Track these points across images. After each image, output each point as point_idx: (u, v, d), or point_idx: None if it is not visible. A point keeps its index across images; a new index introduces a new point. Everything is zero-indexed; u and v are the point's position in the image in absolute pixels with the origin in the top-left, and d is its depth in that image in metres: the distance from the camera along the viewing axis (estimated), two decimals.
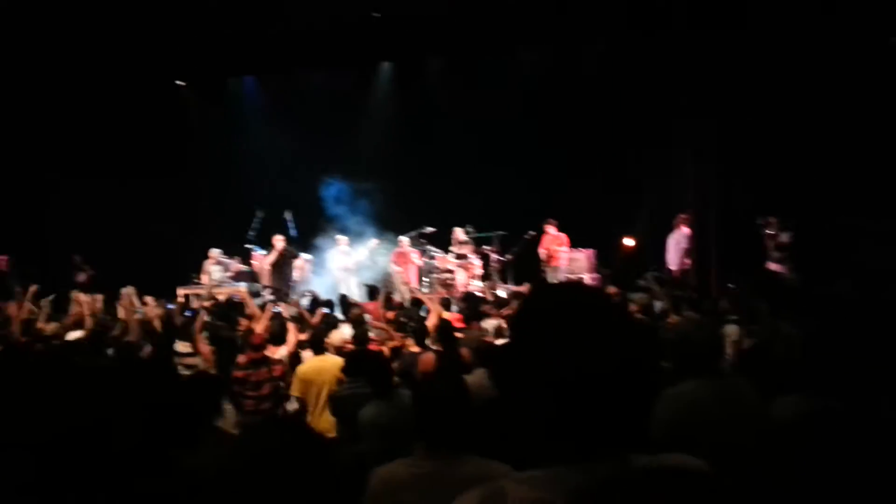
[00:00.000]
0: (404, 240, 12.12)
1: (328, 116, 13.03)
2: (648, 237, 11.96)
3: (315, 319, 6.78)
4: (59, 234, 11.87)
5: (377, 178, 12.41)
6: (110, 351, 5.53)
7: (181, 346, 5.94)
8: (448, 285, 11.42)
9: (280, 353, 5.47)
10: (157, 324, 6.37)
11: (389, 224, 12.42)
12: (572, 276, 11.82)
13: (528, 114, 12.16)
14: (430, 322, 6.00)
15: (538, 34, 12.00)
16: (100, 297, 6.75)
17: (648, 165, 11.79)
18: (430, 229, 12.16)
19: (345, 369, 4.73)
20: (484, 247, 12.20)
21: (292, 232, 12.13)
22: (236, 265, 12.44)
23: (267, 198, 12.30)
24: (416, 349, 5.39)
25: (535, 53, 12.52)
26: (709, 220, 10.15)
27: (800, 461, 1.87)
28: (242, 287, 11.32)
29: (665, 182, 11.49)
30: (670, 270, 10.93)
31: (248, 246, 12.44)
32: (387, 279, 11.37)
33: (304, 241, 12.30)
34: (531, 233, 11.84)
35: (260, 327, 5.75)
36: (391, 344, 5.85)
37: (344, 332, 5.82)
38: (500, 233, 12.21)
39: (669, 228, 11.16)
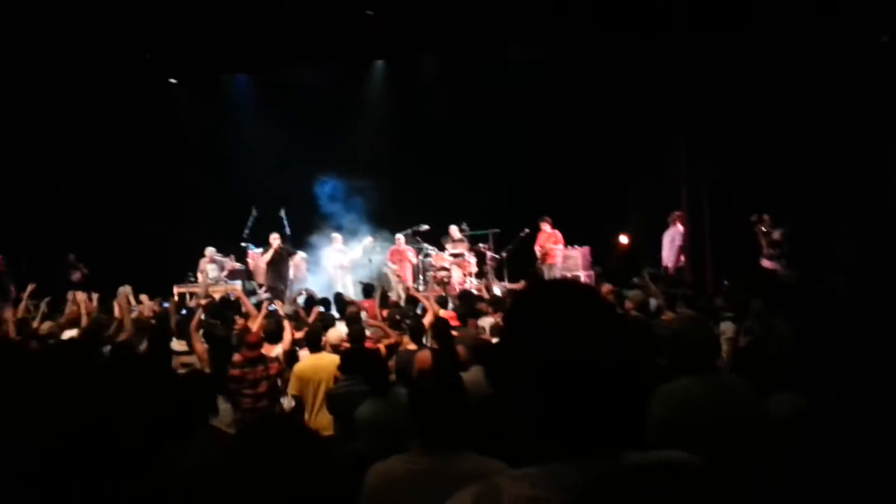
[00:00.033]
0: (400, 237, 12.12)
1: (322, 114, 13.02)
2: (643, 234, 11.99)
3: (311, 318, 6.78)
4: (54, 232, 11.84)
5: (371, 176, 12.41)
6: (106, 349, 5.52)
7: (177, 345, 5.94)
8: (443, 283, 11.43)
9: (276, 351, 5.47)
10: (152, 322, 6.36)
11: (384, 222, 12.42)
12: (567, 274, 11.85)
13: (522, 111, 12.17)
14: (427, 320, 6.01)
15: (532, 32, 12.01)
16: (96, 295, 6.74)
17: (643, 163, 11.83)
18: (424, 227, 12.16)
19: (341, 367, 4.74)
20: (479, 244, 12.21)
21: (286, 230, 12.12)
22: (231, 263, 12.42)
23: (261, 195, 12.28)
24: (412, 347, 5.39)
25: (530, 51, 12.53)
26: (704, 217, 10.17)
27: (794, 457, 1.88)
28: (237, 285, 11.31)
29: (660, 179, 11.51)
30: (665, 267, 10.96)
31: (243, 244, 12.42)
32: (383, 278, 11.37)
33: (299, 238, 12.29)
34: (526, 230, 11.86)
35: (256, 326, 5.75)
36: (387, 341, 5.86)
37: (341, 331, 5.82)
38: (495, 230, 12.22)
39: (664, 225, 11.18)
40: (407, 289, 9.94)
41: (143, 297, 7.55)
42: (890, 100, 8.64)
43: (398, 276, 11.74)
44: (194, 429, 2.92)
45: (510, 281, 11.90)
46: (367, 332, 5.94)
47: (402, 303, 8.35)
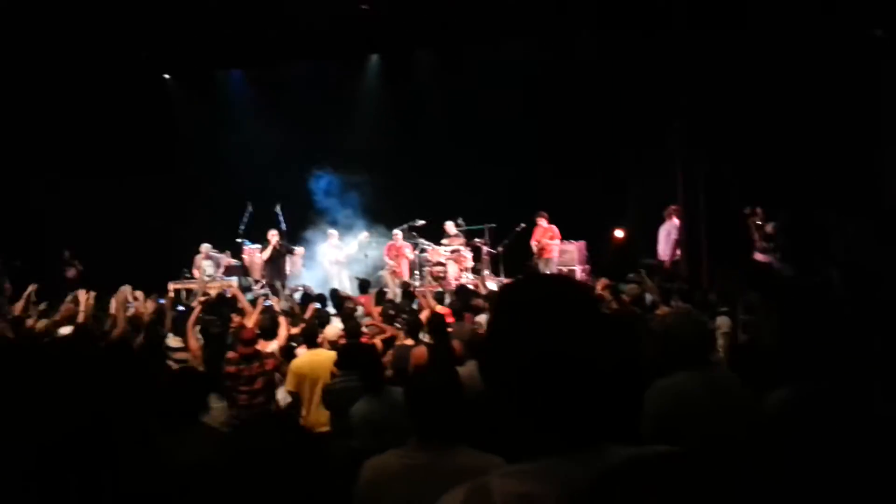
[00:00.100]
0: (397, 233, 12.11)
1: (317, 109, 13.00)
2: (639, 228, 12.01)
3: (307, 314, 6.78)
4: (48, 229, 11.79)
5: (366, 171, 12.41)
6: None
7: (172, 341, 5.94)
8: (440, 278, 11.44)
9: (271, 347, 5.47)
10: (147, 318, 6.35)
11: (379, 217, 12.42)
12: (563, 268, 11.87)
13: (518, 107, 12.17)
14: (423, 315, 6.01)
15: (528, 28, 11.99)
16: (92, 294, 6.72)
17: (639, 157, 11.83)
18: (420, 222, 12.16)
19: (338, 363, 4.74)
20: (475, 239, 12.22)
21: (282, 225, 12.10)
22: (227, 259, 12.41)
23: (256, 191, 12.25)
24: (409, 342, 5.40)
25: (525, 46, 12.51)
26: (699, 211, 10.19)
27: (783, 452, 1.89)
28: (233, 281, 11.29)
29: (656, 173, 11.52)
30: (661, 261, 10.98)
31: (238, 240, 12.40)
32: (381, 280, 11.38)
33: (294, 234, 12.28)
34: (522, 225, 11.86)
35: (251, 322, 5.75)
36: (382, 336, 5.86)
37: (337, 327, 5.82)
38: (491, 225, 12.22)
39: (660, 219, 11.20)
40: (404, 283, 9.95)
41: (139, 294, 7.52)
42: (887, 96, 8.65)
43: (394, 271, 11.74)
44: (184, 424, 2.92)
45: (506, 276, 11.91)
46: (364, 328, 5.94)
47: (399, 300, 8.35)
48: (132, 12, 10.77)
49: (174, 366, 5.26)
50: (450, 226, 12.17)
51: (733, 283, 7.00)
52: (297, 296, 9.01)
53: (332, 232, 12.24)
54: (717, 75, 9.35)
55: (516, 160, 12.04)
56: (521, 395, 1.07)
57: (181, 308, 7.61)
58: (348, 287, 10.85)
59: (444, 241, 12.15)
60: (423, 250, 12.17)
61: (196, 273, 11.79)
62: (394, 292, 9.58)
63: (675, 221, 10.95)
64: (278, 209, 12.05)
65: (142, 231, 12.07)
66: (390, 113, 13.33)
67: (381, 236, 12.38)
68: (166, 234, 12.56)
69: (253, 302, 6.90)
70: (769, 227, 9.52)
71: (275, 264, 11.59)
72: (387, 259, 12.05)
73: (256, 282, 11.95)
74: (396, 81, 13.47)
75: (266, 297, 8.67)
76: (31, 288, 7.18)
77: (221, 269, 12.10)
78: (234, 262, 12.48)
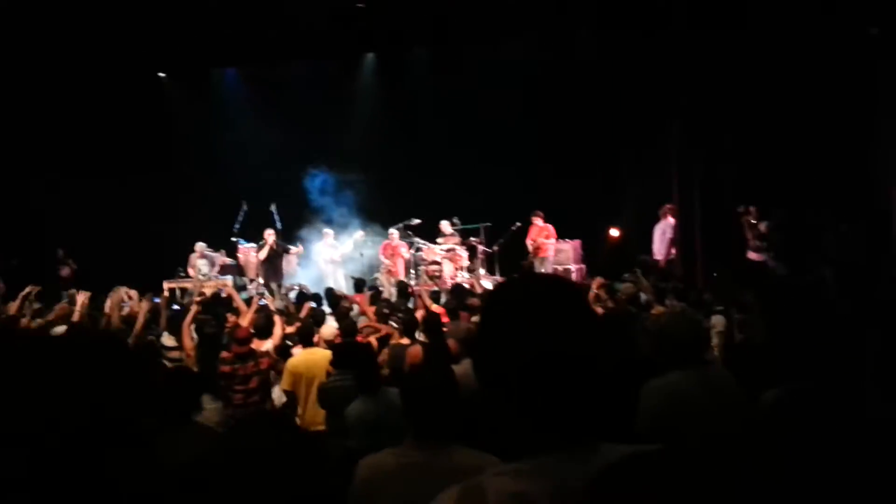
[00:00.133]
0: (394, 232, 12.10)
1: (312, 107, 12.97)
2: (634, 227, 12.04)
3: (302, 313, 6.77)
4: (43, 228, 11.75)
5: (362, 170, 12.39)
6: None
7: (167, 340, 5.92)
8: (435, 277, 11.44)
9: (266, 346, 5.47)
10: (141, 317, 6.32)
11: (374, 215, 12.40)
12: (559, 267, 11.89)
13: (514, 106, 12.16)
14: (419, 315, 6.02)
15: (524, 25, 11.99)
16: (87, 294, 6.71)
17: (634, 156, 11.85)
18: (416, 221, 12.15)
19: (333, 361, 4.74)
20: (471, 238, 12.22)
21: (277, 224, 12.08)
22: (222, 258, 12.38)
23: (251, 190, 12.23)
24: (405, 341, 5.41)
25: (521, 45, 12.51)
26: (694, 210, 10.22)
27: (778, 448, 1.90)
28: (228, 280, 11.27)
29: (651, 172, 11.55)
30: (656, 260, 11.01)
31: (233, 239, 12.38)
32: (375, 280, 11.37)
33: (289, 232, 12.25)
34: (517, 224, 11.87)
35: (246, 321, 5.74)
36: (377, 335, 5.86)
37: (333, 326, 5.81)
38: (487, 224, 12.23)
39: (655, 218, 11.23)
40: (399, 283, 9.94)
41: (133, 293, 7.50)
42: (882, 96, 8.68)
43: (390, 270, 11.73)
44: (178, 423, 2.91)
45: (502, 275, 11.92)
46: (359, 327, 5.94)
47: (395, 299, 8.35)
48: (127, 10, 10.73)
49: (168, 365, 5.25)
50: (445, 225, 12.17)
51: (729, 283, 7.02)
52: (293, 295, 9.00)
53: (328, 231, 12.22)
54: (713, 75, 9.38)
55: (512, 159, 12.04)
56: (512, 394, 1.07)
57: (176, 307, 7.60)
58: (344, 286, 10.84)
59: (439, 240, 12.15)
60: (418, 249, 12.17)
61: (191, 272, 11.76)
62: (389, 292, 9.57)
63: (670, 220, 10.98)
64: (273, 208, 12.02)
65: (137, 229, 12.02)
66: (386, 111, 13.31)
67: (376, 235, 12.37)
68: (161, 232, 12.52)
69: (248, 301, 6.89)
70: (762, 226, 9.56)
71: (271, 264, 11.57)
72: (382, 258, 12.04)
73: (251, 281, 11.92)
74: (392, 80, 13.46)
75: (261, 296, 8.66)
76: (31, 290, 7.10)
77: (216, 268, 12.08)
78: (229, 260, 12.45)
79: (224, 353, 5.05)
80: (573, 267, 12.02)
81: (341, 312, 6.60)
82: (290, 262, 12.21)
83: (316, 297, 8.15)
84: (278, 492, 1.35)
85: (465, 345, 4.60)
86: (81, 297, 6.49)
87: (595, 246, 12.35)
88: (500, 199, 11.95)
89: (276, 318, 5.92)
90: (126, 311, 6.69)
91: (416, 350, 4.79)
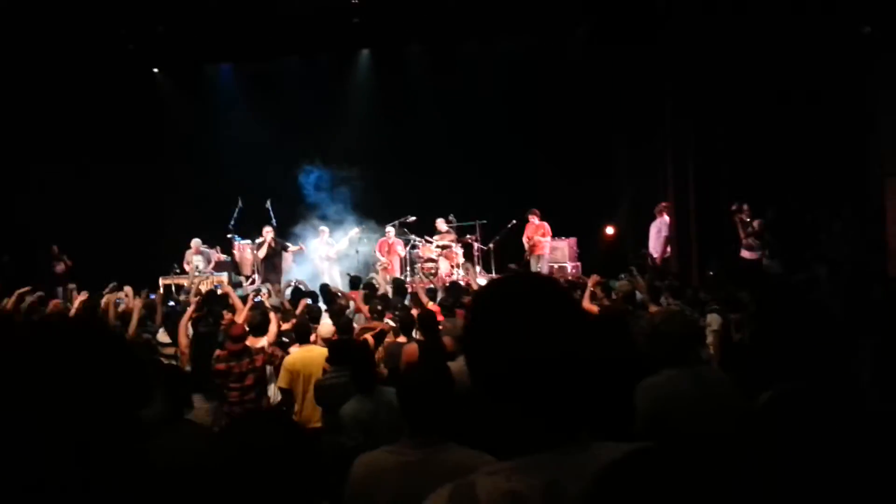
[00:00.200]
0: (390, 230, 12.09)
1: (307, 103, 12.94)
2: (630, 225, 12.05)
3: (298, 310, 6.76)
4: (37, 224, 11.69)
5: (357, 166, 12.36)
6: None
7: (163, 336, 5.92)
8: (431, 274, 11.43)
9: (261, 343, 5.46)
10: (136, 314, 6.31)
11: (369, 212, 12.40)
12: (555, 265, 11.91)
13: (509, 102, 12.17)
14: (415, 312, 6.01)
15: (520, 23, 11.99)
16: (86, 293, 6.70)
17: (629, 154, 11.87)
18: (411, 218, 12.15)
19: (329, 358, 4.73)
20: (466, 236, 12.23)
21: (272, 221, 12.06)
22: (217, 255, 12.35)
23: (246, 186, 12.20)
24: (401, 339, 5.40)
25: (517, 42, 12.51)
26: (689, 208, 10.24)
27: (772, 447, 1.91)
28: (223, 277, 11.25)
29: (646, 170, 11.57)
30: (652, 258, 11.03)
31: (228, 235, 12.35)
32: (371, 279, 11.35)
33: (284, 229, 12.23)
34: (513, 222, 11.88)
35: (241, 318, 5.72)
36: (372, 332, 5.84)
37: (330, 324, 5.80)
38: (482, 222, 12.23)
39: (651, 217, 11.25)
40: (395, 280, 9.92)
41: (127, 289, 7.48)
42: (876, 94, 8.70)
43: (386, 268, 11.72)
44: (171, 422, 2.90)
45: (497, 272, 11.93)
46: (355, 324, 5.93)
47: (389, 297, 8.33)
48: (120, 6, 10.68)
49: (164, 361, 5.24)
50: (441, 222, 12.17)
51: (724, 282, 7.04)
52: (288, 291, 8.98)
53: (324, 229, 12.20)
54: (708, 74, 9.39)
55: (507, 157, 12.05)
56: (501, 392, 1.07)
57: (172, 303, 7.58)
58: (339, 283, 10.82)
59: (435, 237, 12.15)
60: (414, 246, 12.16)
61: (187, 268, 11.74)
62: (384, 289, 9.56)
63: (666, 218, 10.99)
64: (269, 204, 12.00)
65: (132, 226, 11.99)
66: (381, 108, 13.29)
67: (371, 232, 12.36)
68: (156, 228, 12.49)
69: (244, 298, 6.88)
70: (756, 224, 9.59)
71: (270, 262, 11.55)
72: (378, 255, 12.03)
73: (247, 277, 11.90)
74: (387, 76, 13.43)
75: (257, 293, 8.64)
76: (31, 297, 7.00)
77: (212, 265, 12.05)
78: (224, 257, 12.42)
79: (219, 351, 5.04)
80: (569, 264, 12.04)
81: (337, 309, 6.59)
82: (286, 259, 12.19)
83: (312, 295, 8.14)
84: (274, 490, 1.35)
85: (461, 342, 4.60)
86: (79, 298, 6.49)
87: (590, 244, 12.37)
88: (495, 196, 11.96)
89: (272, 316, 5.91)
90: (121, 308, 6.68)
91: (413, 348, 4.79)
